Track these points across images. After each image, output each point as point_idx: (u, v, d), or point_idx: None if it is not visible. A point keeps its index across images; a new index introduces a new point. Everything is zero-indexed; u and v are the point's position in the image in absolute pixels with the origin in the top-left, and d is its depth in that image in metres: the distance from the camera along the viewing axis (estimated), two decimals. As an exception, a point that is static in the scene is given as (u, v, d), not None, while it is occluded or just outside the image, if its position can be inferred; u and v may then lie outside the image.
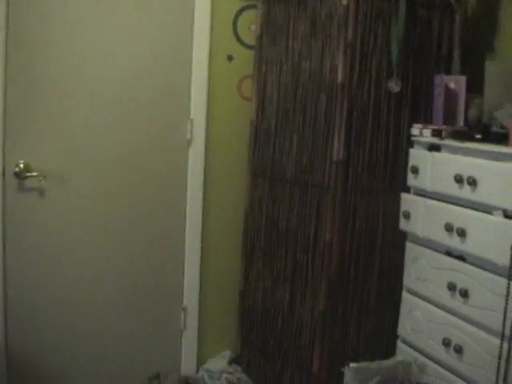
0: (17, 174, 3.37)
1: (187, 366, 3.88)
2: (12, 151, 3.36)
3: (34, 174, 3.39)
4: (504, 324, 2.51)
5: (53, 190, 3.47)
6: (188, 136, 3.72)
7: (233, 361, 3.85)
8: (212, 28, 3.68)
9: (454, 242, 2.84)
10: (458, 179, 2.80)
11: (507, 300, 2.50)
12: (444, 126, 3.05)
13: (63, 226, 3.52)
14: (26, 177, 3.38)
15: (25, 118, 3.39)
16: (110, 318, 3.68)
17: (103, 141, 3.55)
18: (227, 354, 3.88)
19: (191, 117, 3.72)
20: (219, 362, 3.83)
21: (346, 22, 3.22)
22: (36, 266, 3.49)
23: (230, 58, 3.74)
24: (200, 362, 3.88)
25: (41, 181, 3.41)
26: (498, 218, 2.61)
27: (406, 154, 3.22)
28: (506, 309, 2.50)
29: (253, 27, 3.69)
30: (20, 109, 3.37)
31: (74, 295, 3.58)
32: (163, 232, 3.75)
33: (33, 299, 3.50)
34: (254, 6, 3.67)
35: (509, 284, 2.49)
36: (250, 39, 3.71)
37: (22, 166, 3.37)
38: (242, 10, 3.72)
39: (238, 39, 3.74)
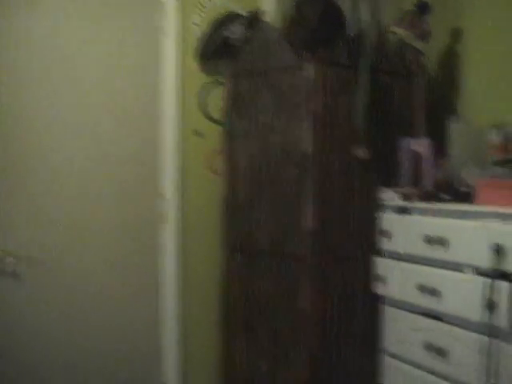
0: (-9, 259, 3.37)
1: None
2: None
3: (11, 259, 3.36)
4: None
5: (28, 274, 3.44)
6: (161, 213, 3.74)
7: None
8: (180, 105, 3.75)
9: (429, 303, 2.86)
10: (429, 240, 2.84)
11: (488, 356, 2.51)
12: (412, 189, 3.10)
13: (39, 308, 3.48)
14: (1, 261, 3.36)
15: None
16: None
17: (77, 223, 3.55)
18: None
19: (163, 193, 3.75)
20: None
21: (310, 93, 3.28)
22: (13, 349, 3.45)
23: (199, 133, 3.79)
24: None
25: (16, 265, 3.40)
26: (470, 276, 2.64)
27: (377, 218, 3.26)
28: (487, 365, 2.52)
29: (221, 102, 3.76)
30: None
31: (51, 379, 3.54)
32: (139, 310, 3.72)
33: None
34: (220, 82, 3.75)
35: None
36: (219, 114, 3.77)
37: (-5, 250, 3.37)
38: (209, 86, 3.79)
39: (207, 115, 3.79)
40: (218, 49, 3.61)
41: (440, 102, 3.65)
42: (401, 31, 3.34)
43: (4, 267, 3.38)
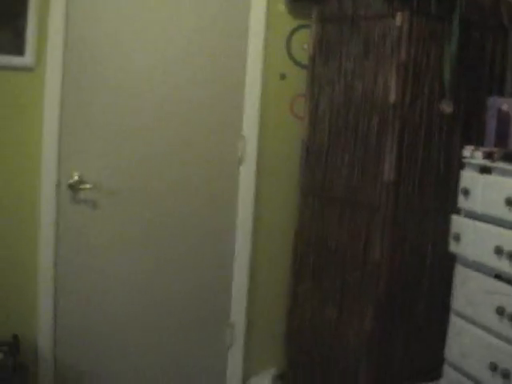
0: (71, 186, 3.44)
1: (232, 382, 3.89)
2: (67, 163, 3.44)
3: (88, 185, 3.46)
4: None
5: (105, 202, 3.54)
6: (239, 153, 3.76)
7: (278, 378, 3.84)
8: (265, 47, 3.72)
9: (503, 266, 2.80)
10: (509, 202, 2.77)
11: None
12: (496, 149, 3.02)
13: (114, 237, 3.58)
14: (80, 188, 3.45)
15: (80, 131, 3.46)
16: (157, 332, 3.72)
17: (155, 155, 3.61)
18: (272, 371, 3.88)
19: (243, 134, 3.75)
20: (264, 380, 3.83)
21: (400, 43, 3.21)
22: (87, 276, 3.56)
23: (282, 76, 3.77)
24: (245, 379, 3.89)
25: (94, 192, 3.47)
26: (549, 242, 2.58)
27: (457, 175, 3.19)
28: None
29: (306, 46, 3.71)
30: (75, 122, 3.45)
31: (122, 307, 3.63)
32: (212, 248, 3.78)
33: (83, 311, 3.56)
34: (307, 26, 3.70)
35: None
36: (303, 58, 3.73)
37: (76, 177, 3.44)
38: (295, 29, 3.75)
39: (291, 58, 3.77)
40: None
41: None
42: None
43: (82, 195, 3.46)
